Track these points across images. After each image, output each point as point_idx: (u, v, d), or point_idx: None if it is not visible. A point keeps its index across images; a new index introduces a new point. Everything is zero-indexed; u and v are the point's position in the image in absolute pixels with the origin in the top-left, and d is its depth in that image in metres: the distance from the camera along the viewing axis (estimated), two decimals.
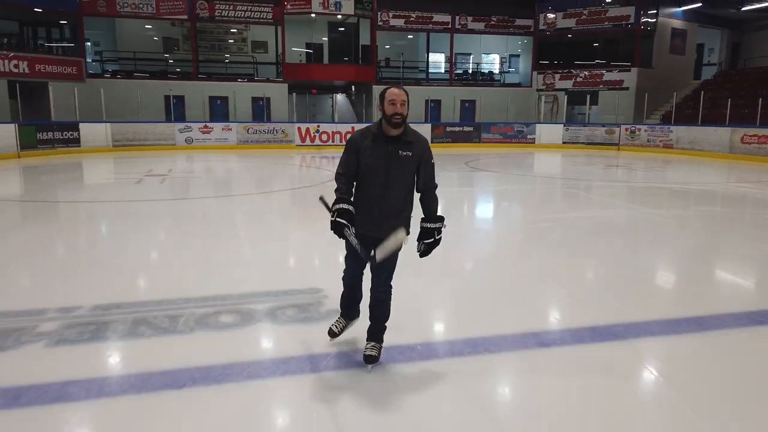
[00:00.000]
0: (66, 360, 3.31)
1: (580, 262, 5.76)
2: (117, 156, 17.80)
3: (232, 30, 24.47)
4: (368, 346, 3.30)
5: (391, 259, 3.10)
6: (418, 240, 3.14)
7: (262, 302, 4.24)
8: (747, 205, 10.20)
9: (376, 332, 3.31)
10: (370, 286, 3.21)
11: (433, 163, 3.16)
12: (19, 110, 17.38)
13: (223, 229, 7.26)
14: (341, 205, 2.98)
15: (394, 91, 3.00)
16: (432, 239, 3.12)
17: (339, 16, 23.26)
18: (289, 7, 22.24)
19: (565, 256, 5.97)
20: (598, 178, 13.89)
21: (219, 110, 22.45)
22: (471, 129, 23.17)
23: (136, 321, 3.84)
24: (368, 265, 3.11)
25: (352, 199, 3.09)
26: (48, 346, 3.45)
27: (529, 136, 23.08)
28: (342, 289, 3.39)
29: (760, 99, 17.48)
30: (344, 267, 3.31)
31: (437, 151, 19.68)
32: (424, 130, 22.46)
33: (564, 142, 22.57)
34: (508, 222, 8.58)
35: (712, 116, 19.65)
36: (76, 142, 18.14)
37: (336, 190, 3.05)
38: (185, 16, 21.76)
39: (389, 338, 3.36)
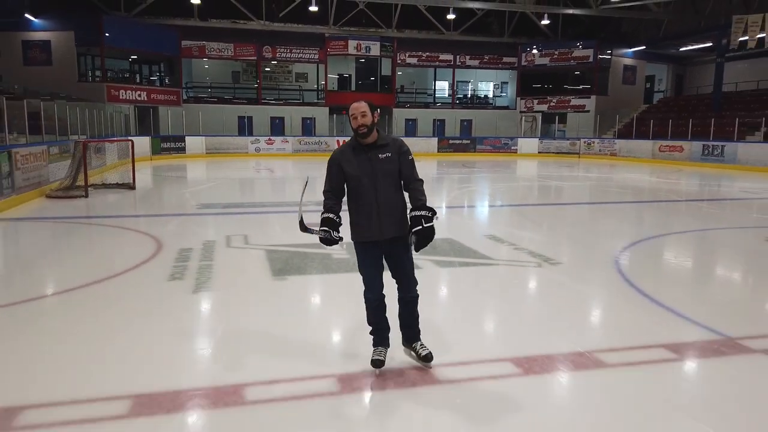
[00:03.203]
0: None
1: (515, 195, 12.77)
2: (212, 160, 24.85)
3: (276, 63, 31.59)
4: (420, 345, 3.43)
5: (410, 261, 3.32)
6: (410, 233, 3.12)
7: None
8: (618, 182, 17.06)
9: (417, 332, 3.46)
10: (397, 296, 3.39)
11: (411, 159, 3.22)
12: (152, 126, 24.62)
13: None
14: (326, 215, 3.18)
15: (353, 106, 3.10)
16: (420, 226, 3.06)
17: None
18: (330, 50, 29.45)
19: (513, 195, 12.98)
20: (551, 171, 20.81)
21: (278, 127, 29.58)
22: (468, 141, 30.23)
23: None
24: (388, 274, 3.33)
25: (339, 214, 3.22)
26: None
27: (512, 147, 30.06)
28: (366, 315, 3.38)
29: (670, 120, 24.47)
30: (363, 288, 3.32)
31: (442, 159, 27.43)
32: (432, 143, 29.52)
33: (539, 152, 29.55)
34: (487, 184, 15.59)
35: (646, 133, 26.55)
36: (183, 150, 25.29)
37: (323, 206, 3.21)
38: (254, 58, 29.05)
39: None
